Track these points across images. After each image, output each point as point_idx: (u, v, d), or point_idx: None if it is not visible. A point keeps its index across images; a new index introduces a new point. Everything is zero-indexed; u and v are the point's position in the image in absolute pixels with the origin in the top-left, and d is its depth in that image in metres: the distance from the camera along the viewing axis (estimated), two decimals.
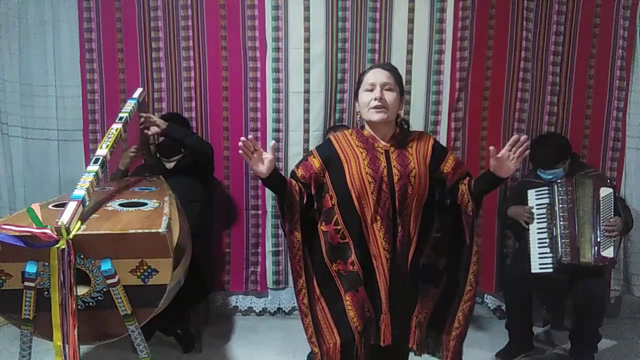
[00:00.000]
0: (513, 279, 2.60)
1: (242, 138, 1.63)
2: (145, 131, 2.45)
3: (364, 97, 1.76)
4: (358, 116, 1.86)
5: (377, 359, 1.82)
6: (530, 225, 2.53)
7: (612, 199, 2.47)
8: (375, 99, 1.72)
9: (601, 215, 2.44)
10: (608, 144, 2.99)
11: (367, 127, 1.83)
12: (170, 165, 2.73)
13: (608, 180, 2.69)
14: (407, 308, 1.79)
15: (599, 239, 2.40)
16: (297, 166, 1.86)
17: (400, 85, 1.80)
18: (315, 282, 1.83)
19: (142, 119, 2.41)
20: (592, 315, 2.43)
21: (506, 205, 2.80)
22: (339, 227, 1.77)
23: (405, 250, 1.75)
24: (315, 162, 1.81)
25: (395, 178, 1.72)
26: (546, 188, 2.53)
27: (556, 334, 2.84)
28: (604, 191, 2.47)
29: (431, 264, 1.81)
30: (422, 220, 1.77)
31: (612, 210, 2.45)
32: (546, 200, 2.51)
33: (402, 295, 1.77)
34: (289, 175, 1.86)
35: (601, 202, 2.45)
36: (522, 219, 2.56)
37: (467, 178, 1.81)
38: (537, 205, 2.53)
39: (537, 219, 2.52)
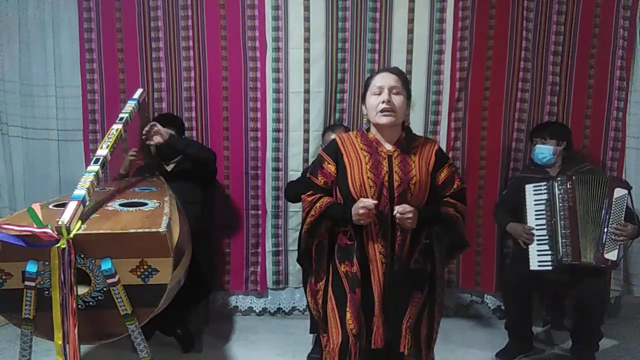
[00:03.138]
0: (512, 279, 2.59)
1: (371, 205, 1.66)
2: (148, 142, 2.44)
3: (372, 100, 1.77)
4: (365, 119, 1.86)
5: None
6: (529, 221, 2.51)
7: (625, 201, 2.40)
8: (384, 102, 1.73)
9: (611, 217, 2.36)
10: (608, 144, 2.98)
11: (372, 130, 1.84)
12: (169, 167, 2.72)
13: (623, 181, 2.57)
14: (399, 312, 1.77)
15: (604, 240, 2.35)
16: (312, 174, 1.86)
17: (407, 89, 1.81)
18: (330, 282, 1.84)
19: (146, 129, 2.40)
20: (593, 313, 2.42)
21: (504, 201, 2.79)
22: (346, 229, 1.77)
23: (403, 255, 1.75)
24: (331, 168, 1.83)
25: (396, 184, 1.72)
26: (544, 183, 2.50)
27: (556, 334, 2.84)
28: (618, 192, 2.39)
29: (419, 269, 1.78)
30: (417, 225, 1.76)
31: (624, 212, 2.39)
32: (544, 197, 2.48)
33: (394, 299, 1.76)
34: (307, 185, 1.89)
35: (614, 202, 2.38)
36: (521, 239, 2.53)
37: (447, 199, 1.80)
38: (535, 201, 2.51)
39: (536, 215, 2.50)
